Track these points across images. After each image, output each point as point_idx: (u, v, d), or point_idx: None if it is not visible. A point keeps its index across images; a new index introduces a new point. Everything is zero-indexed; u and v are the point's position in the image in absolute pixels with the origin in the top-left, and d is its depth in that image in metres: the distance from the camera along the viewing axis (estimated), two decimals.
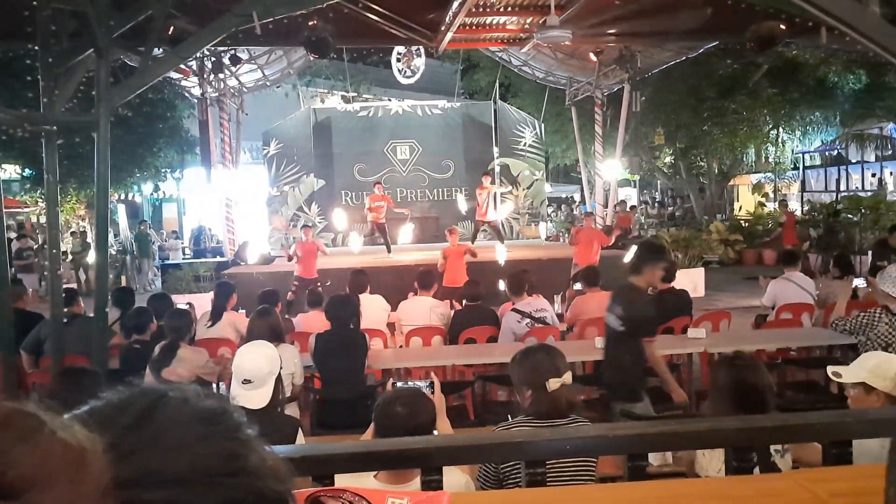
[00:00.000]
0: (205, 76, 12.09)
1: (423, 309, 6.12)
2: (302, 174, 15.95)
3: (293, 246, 9.85)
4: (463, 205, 13.62)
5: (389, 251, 12.06)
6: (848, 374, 2.61)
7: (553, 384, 2.51)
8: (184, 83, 12.60)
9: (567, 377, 2.53)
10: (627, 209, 17.66)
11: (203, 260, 14.29)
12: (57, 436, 0.49)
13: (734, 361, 2.59)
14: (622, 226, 15.77)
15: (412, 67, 15.22)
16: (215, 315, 5.64)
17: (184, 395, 0.60)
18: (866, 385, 2.56)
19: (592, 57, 13.02)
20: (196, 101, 12.99)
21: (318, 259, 9.70)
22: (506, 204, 16.21)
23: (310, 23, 7.53)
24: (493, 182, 12.49)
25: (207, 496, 0.53)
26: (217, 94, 12.76)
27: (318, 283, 8.78)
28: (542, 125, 17.11)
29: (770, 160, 20.78)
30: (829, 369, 2.68)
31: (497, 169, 16.52)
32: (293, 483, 0.61)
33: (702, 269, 11.40)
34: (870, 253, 9.93)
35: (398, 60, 15.11)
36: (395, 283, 8.47)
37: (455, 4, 8.50)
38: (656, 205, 26.50)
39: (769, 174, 23.68)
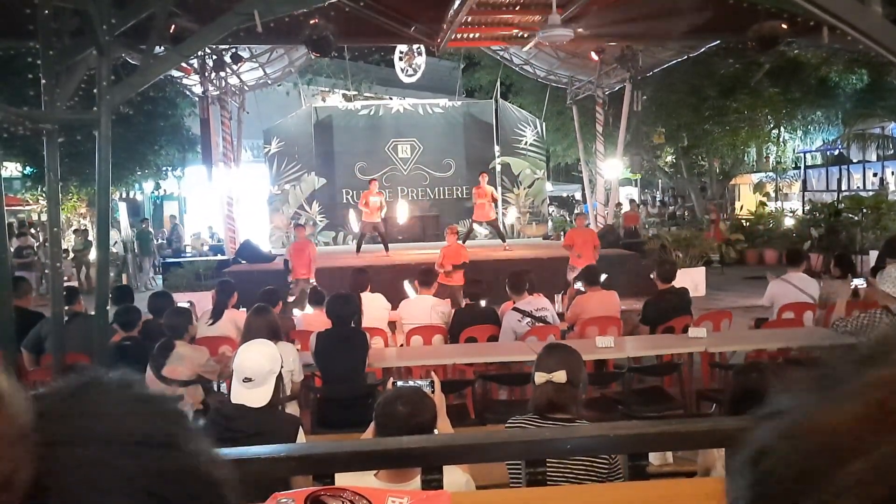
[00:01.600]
0: (206, 74, 12.10)
1: (424, 307, 6.11)
2: (303, 172, 15.95)
3: (288, 248, 9.81)
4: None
5: (387, 250, 12.05)
6: None
7: (538, 378, 2.52)
8: (185, 81, 12.61)
9: (557, 375, 2.49)
10: (634, 208, 17.70)
11: (207, 258, 14.23)
12: None
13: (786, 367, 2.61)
14: (629, 225, 15.76)
15: (414, 66, 15.21)
16: (216, 313, 5.63)
17: (127, 381, 0.60)
18: None
19: (594, 56, 13.02)
20: (197, 99, 13.00)
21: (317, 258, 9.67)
22: (510, 209, 16.26)
23: (311, 21, 7.53)
24: (489, 183, 12.47)
25: (135, 461, 0.52)
26: (218, 92, 12.77)
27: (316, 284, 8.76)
28: (544, 124, 17.10)
29: (771, 160, 20.76)
30: None
31: (498, 168, 16.52)
32: (229, 475, 0.60)
33: (703, 269, 11.38)
34: (871, 252, 9.91)
35: (400, 59, 15.10)
36: (396, 282, 8.47)
37: (457, 3, 8.49)
38: (657, 204, 26.47)
39: (770, 174, 23.65)
